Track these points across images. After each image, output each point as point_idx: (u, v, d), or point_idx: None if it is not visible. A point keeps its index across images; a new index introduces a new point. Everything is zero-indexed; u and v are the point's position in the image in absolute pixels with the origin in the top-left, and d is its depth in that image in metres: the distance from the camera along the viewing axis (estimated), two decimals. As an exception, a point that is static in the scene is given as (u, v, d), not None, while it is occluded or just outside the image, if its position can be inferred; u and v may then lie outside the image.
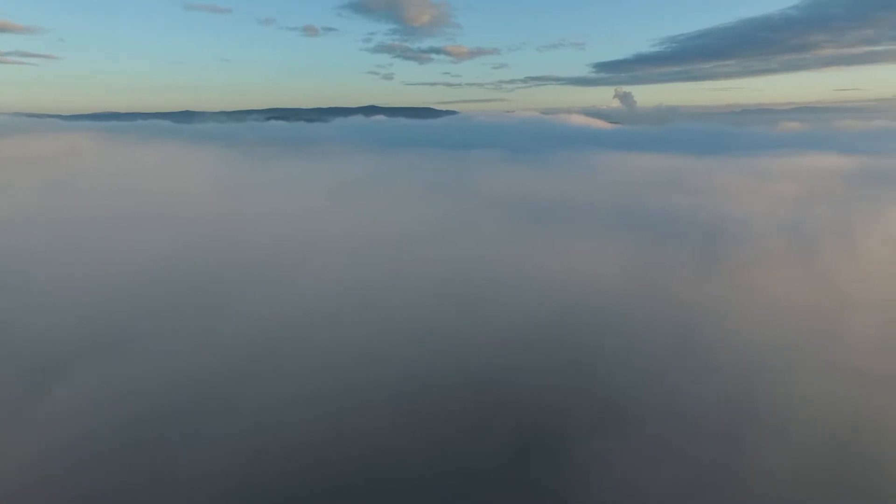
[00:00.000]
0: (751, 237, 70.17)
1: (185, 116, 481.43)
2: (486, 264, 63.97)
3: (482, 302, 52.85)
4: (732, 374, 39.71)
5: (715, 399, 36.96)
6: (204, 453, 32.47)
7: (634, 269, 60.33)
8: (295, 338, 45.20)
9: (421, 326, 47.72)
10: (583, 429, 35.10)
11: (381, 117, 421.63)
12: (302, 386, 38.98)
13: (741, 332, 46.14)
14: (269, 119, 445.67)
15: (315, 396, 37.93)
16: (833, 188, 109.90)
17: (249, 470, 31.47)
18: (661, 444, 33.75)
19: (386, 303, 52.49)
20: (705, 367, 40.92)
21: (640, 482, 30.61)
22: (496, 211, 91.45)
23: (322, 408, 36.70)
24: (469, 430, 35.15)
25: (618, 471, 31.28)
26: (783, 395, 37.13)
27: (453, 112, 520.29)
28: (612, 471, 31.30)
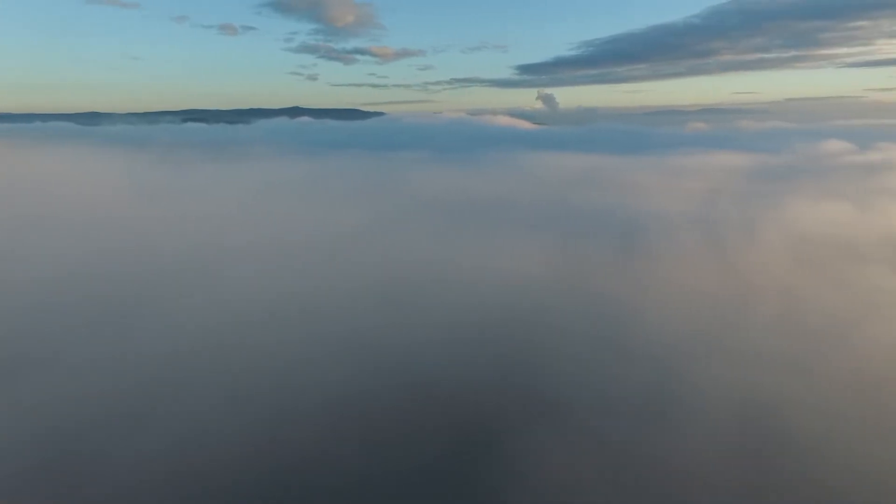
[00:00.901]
0: (665, 231, 74.57)
1: (91, 118, 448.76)
2: (418, 265, 64.19)
3: (414, 303, 53.01)
4: (652, 361, 42.05)
5: (637, 385, 39.00)
6: (124, 468, 30.66)
7: (561, 264, 62.62)
8: (222, 345, 43.53)
9: (353, 330, 47.27)
10: (517, 423, 35.85)
11: (306, 119, 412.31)
12: (230, 395, 37.60)
13: (659, 321, 48.91)
14: (185, 121, 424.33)
15: (245, 405, 36.71)
16: (736, 184, 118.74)
17: (176, 482, 30.01)
18: (589, 431, 35.20)
19: (316, 307, 51.57)
20: (628, 356, 43.09)
21: (573, 470, 31.71)
22: (427, 211, 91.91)
23: (252, 416, 35.58)
24: (405, 431, 35.23)
25: (551, 461, 32.17)
26: (697, 377, 39.67)
27: (381, 113, 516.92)
28: (546, 461, 32.18)
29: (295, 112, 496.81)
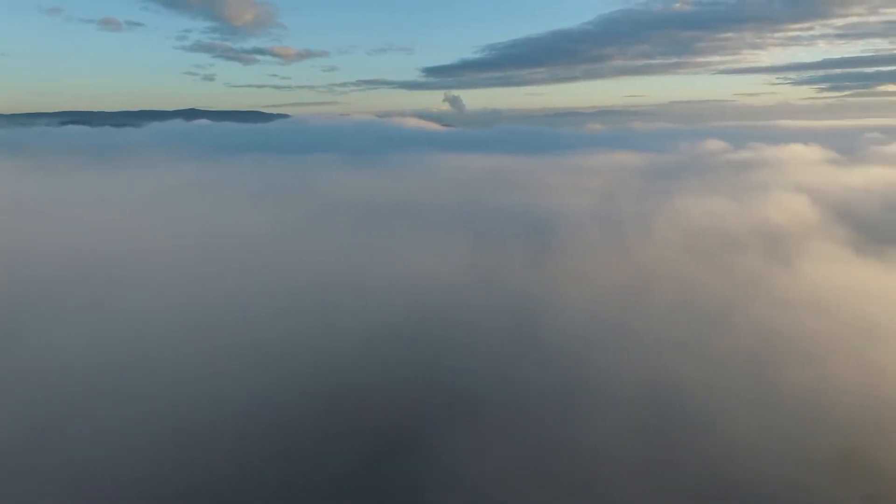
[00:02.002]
0: (570, 227, 78.22)
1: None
2: (329, 269, 62.88)
3: (326, 308, 51.92)
4: (563, 351, 43.93)
5: (551, 376, 40.58)
6: (19, 488, 27.61)
7: (472, 263, 63.81)
8: (120, 361, 40.23)
9: (262, 338, 45.49)
10: (437, 423, 36.02)
11: (204, 121, 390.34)
12: (134, 412, 34.93)
13: (567, 313, 51.19)
14: (64, 123, 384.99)
15: (150, 421, 34.25)
16: (631, 182, 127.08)
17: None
18: (508, 425, 36.20)
19: (222, 317, 49.00)
20: (540, 348, 44.73)
21: (494, 465, 32.42)
22: (337, 215, 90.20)
23: (158, 433, 33.32)
24: (323, 437, 34.51)
25: (472, 458, 32.55)
26: (605, 364, 41.88)
27: (285, 115, 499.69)
28: (467, 458, 32.53)
29: (191, 114, 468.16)
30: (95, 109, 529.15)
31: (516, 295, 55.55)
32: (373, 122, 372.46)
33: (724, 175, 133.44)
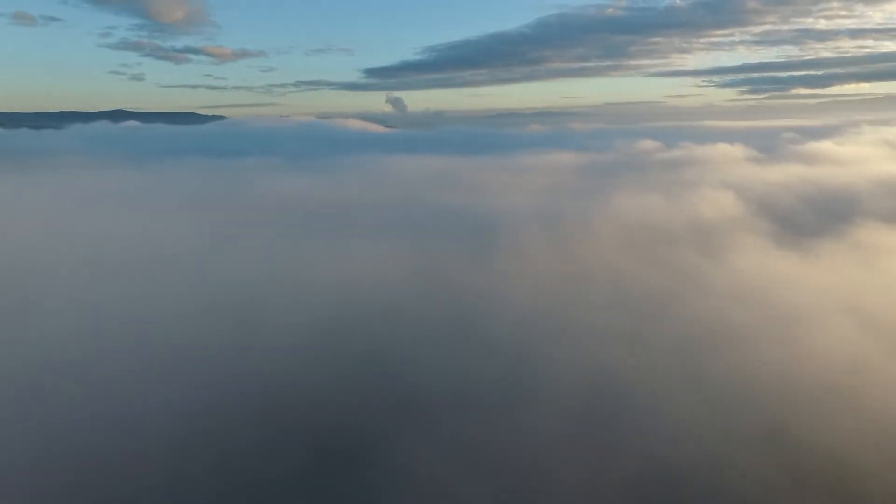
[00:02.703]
0: (514, 226, 79.32)
1: None
2: (271, 274, 61.14)
3: (267, 312, 50.49)
4: (508, 347, 44.45)
5: (495, 372, 40.94)
6: None
7: (416, 264, 63.57)
8: (42, 375, 37.51)
9: (198, 346, 43.69)
10: (383, 423, 35.74)
11: (133, 123, 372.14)
12: (60, 423, 32.82)
13: (511, 309, 51.84)
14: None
15: (81, 433, 32.25)
16: (572, 180, 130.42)
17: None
18: (456, 423, 36.15)
19: (154, 326, 46.64)
20: (485, 346, 45.05)
21: (441, 463, 32.34)
22: (277, 219, 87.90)
23: (89, 444, 31.47)
24: (265, 443, 33.55)
25: (419, 456, 32.49)
26: (548, 358, 42.63)
27: (221, 117, 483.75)
28: (414, 457, 32.41)
29: (118, 116, 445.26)
30: (10, 110, 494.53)
31: (460, 293, 55.78)
32: (314, 124, 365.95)
33: (658, 173, 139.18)
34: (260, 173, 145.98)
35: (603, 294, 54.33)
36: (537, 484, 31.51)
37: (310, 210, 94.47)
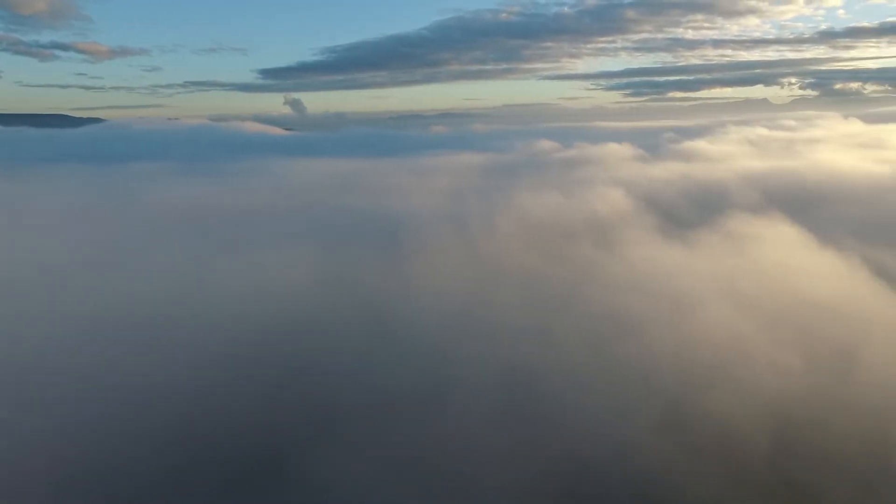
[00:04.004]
0: (421, 228, 79.84)
1: None
2: (168, 287, 57.15)
3: (166, 328, 47.24)
4: (423, 350, 44.72)
5: (412, 376, 41.02)
6: None
7: (323, 270, 62.21)
8: None
9: (96, 369, 40.11)
10: (300, 437, 34.81)
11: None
12: None
13: (425, 312, 52.16)
14: None
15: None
16: (475, 180, 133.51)
17: None
18: (374, 431, 35.89)
19: (40, 359, 42.03)
20: (400, 350, 45.04)
21: (362, 474, 31.88)
22: (170, 229, 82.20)
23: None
24: (173, 469, 31.77)
25: (340, 469, 31.95)
26: (464, 358, 43.30)
27: (98, 120, 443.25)
28: (334, 470, 31.83)
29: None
30: None
31: (370, 298, 55.31)
32: (206, 127, 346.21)
33: (556, 171, 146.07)
34: (149, 180, 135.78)
35: (510, 292, 56.13)
36: (458, 484, 32.07)
37: (209, 218, 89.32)
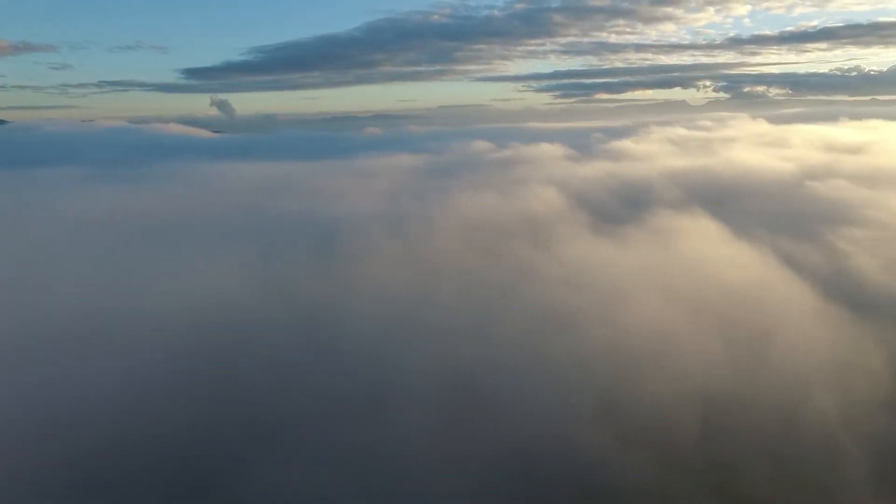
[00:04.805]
0: (358, 230, 78.95)
1: None
2: (89, 300, 53.70)
3: (90, 344, 44.51)
4: (362, 354, 44.28)
5: (352, 382, 40.57)
6: None
7: (257, 276, 60.33)
8: None
9: (13, 389, 37.23)
10: (240, 451, 33.72)
11: None
12: None
13: (364, 315, 51.67)
14: None
15: None
16: (411, 182, 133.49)
17: None
18: (316, 441, 35.22)
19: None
20: (339, 356, 44.41)
21: (305, 485, 31.42)
22: (89, 238, 77.06)
23: None
24: (109, 481, 30.83)
25: (282, 482, 31.43)
26: (404, 360, 43.30)
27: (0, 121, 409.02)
28: (276, 484, 31.28)
29: None
30: None
31: (307, 303, 54.18)
32: (126, 129, 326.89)
33: (491, 172, 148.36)
34: (61, 186, 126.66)
35: (448, 292, 56.49)
36: (403, 484, 32.05)
37: (131, 226, 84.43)
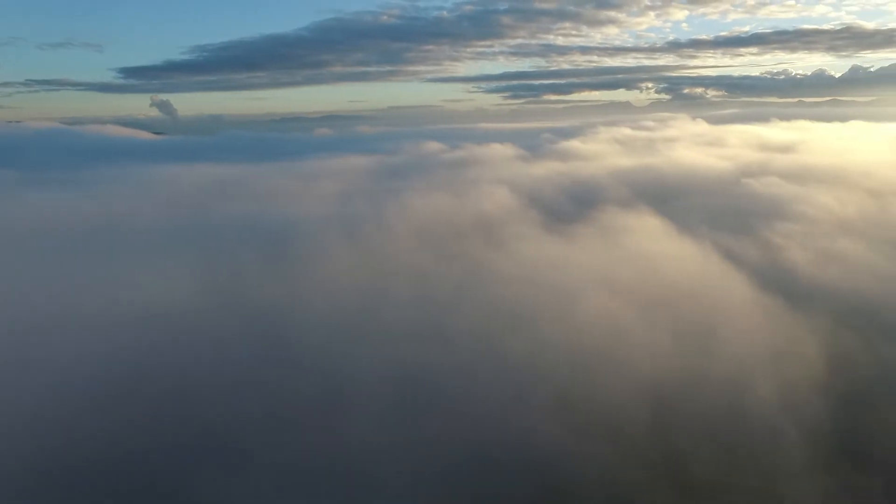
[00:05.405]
0: (309, 234, 77.49)
1: None
2: (23, 313, 50.48)
3: (24, 361, 41.83)
4: (316, 361, 43.37)
5: (306, 388, 39.72)
6: None
7: (205, 283, 58.17)
8: None
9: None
10: (193, 468, 32.52)
11: None
12: None
13: (315, 320, 50.70)
14: None
15: None
16: (363, 183, 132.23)
17: None
18: (271, 451, 34.30)
19: None
20: (291, 362, 43.38)
21: (255, 489, 30.93)
22: (21, 247, 72.52)
23: None
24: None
25: (233, 486, 30.86)
26: (357, 364, 42.71)
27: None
28: (228, 488, 30.66)
29: None
30: None
31: (256, 310, 52.64)
32: (58, 131, 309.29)
33: (444, 172, 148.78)
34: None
35: (402, 293, 56.17)
36: (362, 488, 31.67)
37: (66, 233, 79.97)
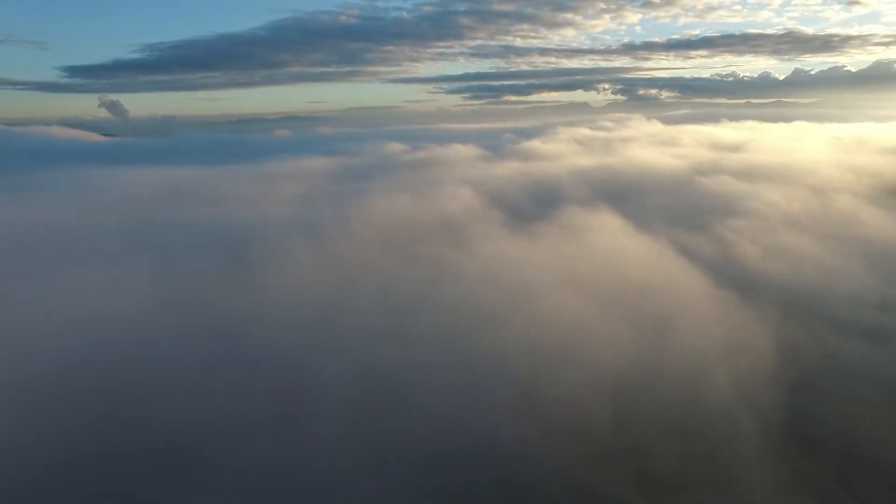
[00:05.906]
0: (270, 237, 76.04)
1: None
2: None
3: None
4: (279, 367, 42.58)
5: (269, 395, 38.89)
6: None
7: (161, 291, 56.30)
8: None
9: None
10: (152, 484, 31.64)
11: None
12: None
13: (279, 324, 49.74)
14: None
15: None
16: (325, 185, 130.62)
17: None
18: (233, 461, 33.44)
19: None
20: (254, 369, 42.42)
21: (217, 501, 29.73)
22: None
23: None
24: None
25: (193, 499, 30.18)
26: (323, 368, 42.12)
27: None
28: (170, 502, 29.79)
29: None
30: None
31: (214, 316, 51.19)
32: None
33: (406, 173, 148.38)
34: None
35: (366, 296, 55.71)
36: (328, 496, 31.24)
37: (13, 239, 76.12)
